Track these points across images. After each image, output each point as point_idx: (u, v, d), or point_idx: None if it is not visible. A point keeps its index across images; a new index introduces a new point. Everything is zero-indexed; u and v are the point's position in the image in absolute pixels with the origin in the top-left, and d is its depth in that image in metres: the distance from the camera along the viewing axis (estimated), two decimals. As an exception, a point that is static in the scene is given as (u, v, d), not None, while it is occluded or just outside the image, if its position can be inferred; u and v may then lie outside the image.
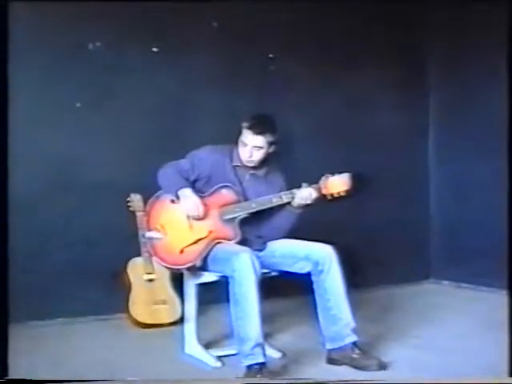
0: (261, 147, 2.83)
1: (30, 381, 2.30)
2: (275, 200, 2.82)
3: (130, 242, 3.39)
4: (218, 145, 2.98)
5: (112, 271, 3.47)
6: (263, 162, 2.91)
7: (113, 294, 3.47)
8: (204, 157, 2.90)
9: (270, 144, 2.84)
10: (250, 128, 2.80)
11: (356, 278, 3.87)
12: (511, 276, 2.49)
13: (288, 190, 2.85)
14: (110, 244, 3.56)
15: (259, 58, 4.00)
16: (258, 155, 2.85)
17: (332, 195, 2.81)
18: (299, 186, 2.82)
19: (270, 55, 4.04)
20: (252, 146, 2.82)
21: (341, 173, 2.80)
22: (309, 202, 2.80)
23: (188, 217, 2.83)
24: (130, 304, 3.42)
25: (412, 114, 4.48)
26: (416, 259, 4.49)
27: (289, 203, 2.83)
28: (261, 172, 2.94)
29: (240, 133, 2.85)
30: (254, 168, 2.91)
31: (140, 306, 3.43)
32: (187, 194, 2.82)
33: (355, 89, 4.28)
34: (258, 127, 2.80)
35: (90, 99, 3.58)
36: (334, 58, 4.19)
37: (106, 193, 3.55)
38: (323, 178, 2.81)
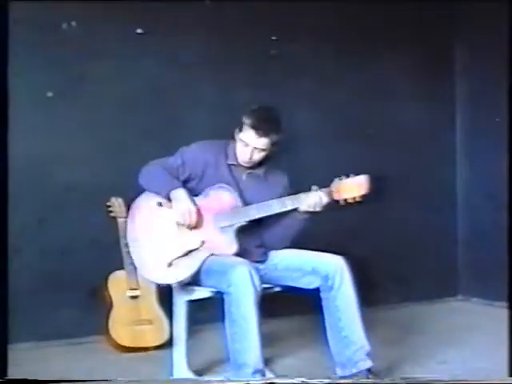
0: (263, 149, 2.85)
1: (30, 381, 2.46)
2: (278, 207, 2.81)
3: (110, 253, 3.41)
4: (211, 140, 2.99)
5: (90, 286, 3.49)
6: (262, 160, 2.93)
7: (90, 313, 3.49)
8: (195, 154, 2.91)
9: (274, 144, 2.85)
10: (253, 127, 2.80)
11: (372, 294, 3.91)
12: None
13: (293, 192, 2.85)
14: (87, 255, 3.58)
15: (259, 40, 4.01)
16: (259, 156, 2.87)
17: (346, 200, 2.79)
18: (307, 189, 2.81)
19: (273, 37, 4.05)
20: (254, 148, 2.84)
21: (356, 174, 2.78)
22: (318, 209, 2.80)
23: (178, 224, 2.84)
24: (111, 324, 3.43)
25: (437, 105, 4.50)
26: (442, 273, 4.50)
27: (294, 209, 2.83)
28: (259, 171, 2.96)
29: (239, 127, 2.85)
30: (251, 167, 2.92)
31: (122, 327, 3.43)
32: (181, 196, 2.83)
33: (372, 77, 4.31)
34: (263, 128, 2.80)
35: (64, 88, 3.58)
36: (347, 41, 4.20)
37: (82, 196, 3.58)
38: (336, 181, 2.80)
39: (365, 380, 2.70)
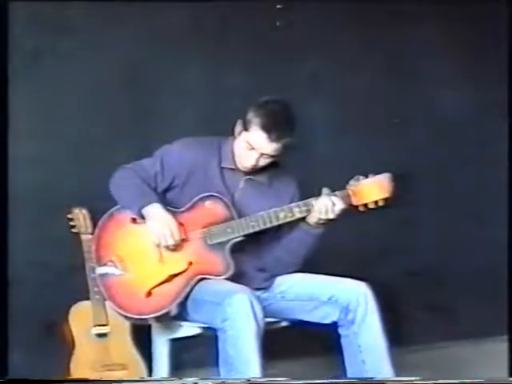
0: (272, 156, 2.91)
1: (30, 380, 2.72)
2: (283, 215, 2.88)
3: (71, 279, 3.46)
4: (201, 137, 3.06)
5: (45, 321, 3.53)
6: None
7: (45, 356, 3.51)
8: (178, 156, 2.97)
9: (285, 148, 2.91)
10: (263, 129, 2.85)
11: (404, 330, 3.94)
12: None
13: (302, 200, 2.91)
14: (42, 281, 3.60)
15: (262, 8, 4.03)
16: (265, 163, 2.93)
17: (366, 206, 2.87)
18: (319, 194, 2.88)
19: (278, 5, 4.09)
20: (262, 153, 2.89)
21: (378, 173, 2.85)
22: (332, 216, 2.85)
23: (158, 244, 2.90)
24: (73, 369, 3.43)
25: (486, 88, 4.50)
26: (495, 303, 4.49)
27: (303, 219, 2.90)
28: (262, 177, 3.02)
29: (244, 125, 2.90)
30: (251, 172, 2.98)
31: (86, 373, 3.43)
32: (156, 211, 2.89)
33: (403, 54, 4.35)
34: (277, 130, 2.85)
35: (15, 69, 3.58)
36: (373, 9, 4.22)
37: (35, 206, 3.60)
38: (353, 182, 2.88)
39: (365, 380, 2.77)
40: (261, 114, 2.86)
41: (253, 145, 2.88)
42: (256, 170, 2.97)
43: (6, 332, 2.73)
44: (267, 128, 2.84)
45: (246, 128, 2.89)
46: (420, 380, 2.73)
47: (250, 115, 2.88)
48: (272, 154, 2.89)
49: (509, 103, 2.83)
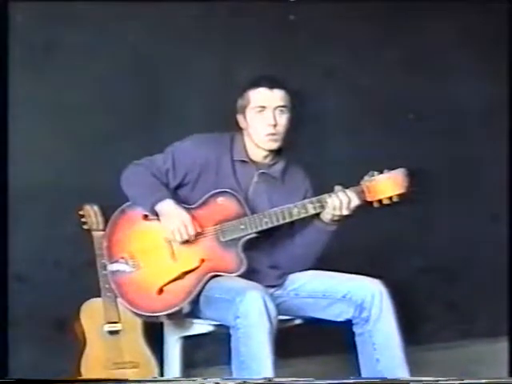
0: (284, 106, 2.95)
1: (30, 380, 2.77)
2: (296, 211, 2.89)
3: (83, 277, 3.47)
4: (212, 133, 3.07)
5: (56, 319, 3.55)
6: (279, 154, 3.03)
7: (56, 354, 3.54)
8: (190, 152, 3.00)
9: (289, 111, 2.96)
10: (259, 84, 2.95)
11: (420, 328, 3.94)
12: None
13: (316, 196, 2.92)
14: (53, 278, 3.62)
15: (275, 1, 4.04)
16: (283, 123, 2.95)
17: (380, 202, 2.88)
18: (331, 191, 2.89)
19: (292, -3, 4.11)
20: (274, 107, 2.93)
21: (393, 168, 2.87)
22: (346, 212, 2.87)
23: (170, 240, 2.92)
24: (83, 367, 3.45)
25: (503, 82, 4.49)
26: (506, 302, 4.49)
27: (317, 216, 2.91)
28: (276, 169, 3.04)
29: (242, 110, 2.94)
30: (265, 163, 3.00)
31: (97, 370, 3.44)
32: (169, 207, 2.91)
33: (418, 47, 4.35)
34: (271, 80, 2.95)
35: (24, 61, 3.59)
36: (388, 4, 4.21)
37: (44, 203, 3.61)
38: (367, 177, 2.90)
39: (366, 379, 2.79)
40: (249, 83, 2.98)
41: (260, 102, 2.95)
42: (270, 163, 3.00)
43: (7, 332, 2.77)
44: (261, 82, 2.95)
45: (246, 103, 2.98)
46: (421, 379, 2.75)
47: (244, 95, 2.98)
48: (282, 103, 2.95)
49: (509, 104, 2.82)
